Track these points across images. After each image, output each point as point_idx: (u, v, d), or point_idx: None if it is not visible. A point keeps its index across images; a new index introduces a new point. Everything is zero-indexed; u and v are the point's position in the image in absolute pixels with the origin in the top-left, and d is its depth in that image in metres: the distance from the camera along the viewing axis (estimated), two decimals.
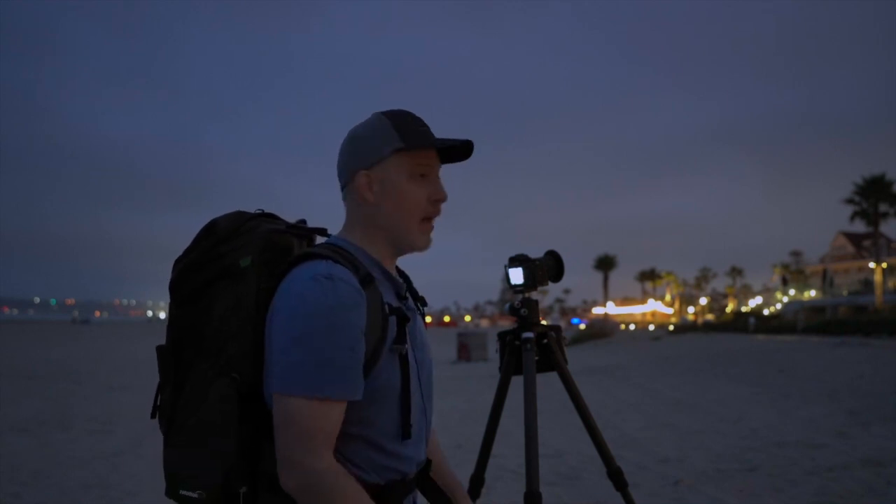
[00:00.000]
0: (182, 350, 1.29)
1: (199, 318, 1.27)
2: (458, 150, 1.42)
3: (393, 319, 1.31)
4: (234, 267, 1.27)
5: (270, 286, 1.28)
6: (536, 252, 2.28)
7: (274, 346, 1.23)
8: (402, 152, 1.34)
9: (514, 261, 2.20)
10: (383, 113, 1.38)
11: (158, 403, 1.32)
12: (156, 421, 1.34)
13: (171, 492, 1.28)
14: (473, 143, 1.41)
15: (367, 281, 1.27)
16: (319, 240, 1.42)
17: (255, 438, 1.26)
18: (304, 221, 1.42)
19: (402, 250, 1.40)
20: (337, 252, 1.30)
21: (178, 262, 1.32)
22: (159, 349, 1.32)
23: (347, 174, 1.37)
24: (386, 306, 1.30)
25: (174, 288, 1.30)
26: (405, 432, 1.31)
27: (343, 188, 1.39)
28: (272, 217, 1.39)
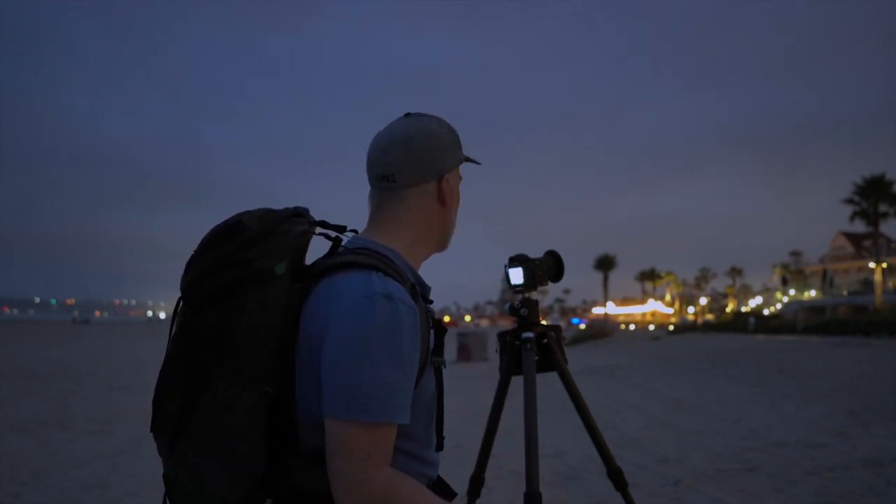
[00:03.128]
0: (196, 358, 1.16)
1: (220, 323, 1.15)
2: None
3: (432, 332, 1.28)
4: (267, 272, 1.17)
5: (299, 291, 1.22)
6: (536, 252, 2.28)
7: (327, 366, 1.16)
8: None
9: (514, 261, 2.20)
10: (443, 120, 1.39)
11: (160, 412, 1.20)
12: None
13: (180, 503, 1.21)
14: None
15: (415, 294, 1.23)
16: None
17: (280, 450, 1.21)
18: (306, 210, 1.34)
19: (437, 251, 1.42)
20: (380, 260, 1.24)
21: (193, 262, 1.19)
22: (169, 356, 1.20)
23: (427, 174, 1.32)
24: (431, 319, 1.28)
25: (189, 291, 1.17)
26: (439, 442, 1.32)
27: (406, 187, 1.31)
28: (300, 216, 1.29)
